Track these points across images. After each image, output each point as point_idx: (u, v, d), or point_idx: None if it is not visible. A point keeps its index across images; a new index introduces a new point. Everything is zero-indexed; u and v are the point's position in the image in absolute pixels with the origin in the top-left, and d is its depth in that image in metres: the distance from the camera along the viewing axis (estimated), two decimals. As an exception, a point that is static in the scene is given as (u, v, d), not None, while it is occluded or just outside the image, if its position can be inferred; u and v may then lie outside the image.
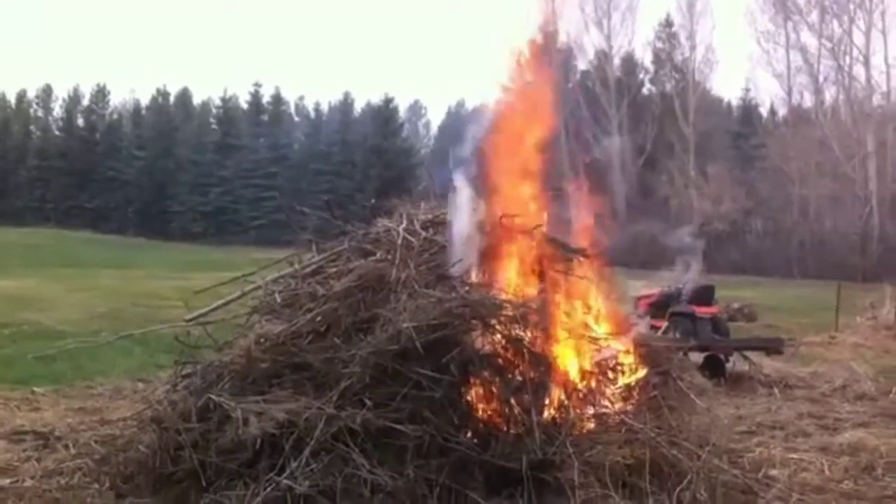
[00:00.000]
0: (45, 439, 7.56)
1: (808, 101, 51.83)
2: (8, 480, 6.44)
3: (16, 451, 7.24)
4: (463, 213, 7.40)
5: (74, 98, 75.30)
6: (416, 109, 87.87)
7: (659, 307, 13.67)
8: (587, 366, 6.73)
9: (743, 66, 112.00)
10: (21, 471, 6.70)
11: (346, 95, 71.27)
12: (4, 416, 8.55)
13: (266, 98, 69.23)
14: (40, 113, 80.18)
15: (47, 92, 79.98)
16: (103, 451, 6.92)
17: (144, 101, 75.10)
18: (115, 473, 6.37)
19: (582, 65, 57.19)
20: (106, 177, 66.85)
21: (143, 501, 5.95)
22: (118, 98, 79.20)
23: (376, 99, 69.51)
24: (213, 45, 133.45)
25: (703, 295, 13.74)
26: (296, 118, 75.33)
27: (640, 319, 11.20)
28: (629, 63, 56.63)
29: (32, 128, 76.56)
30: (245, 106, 70.46)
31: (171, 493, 5.94)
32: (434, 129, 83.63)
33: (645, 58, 57.59)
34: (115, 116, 74.33)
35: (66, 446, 7.31)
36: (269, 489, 5.52)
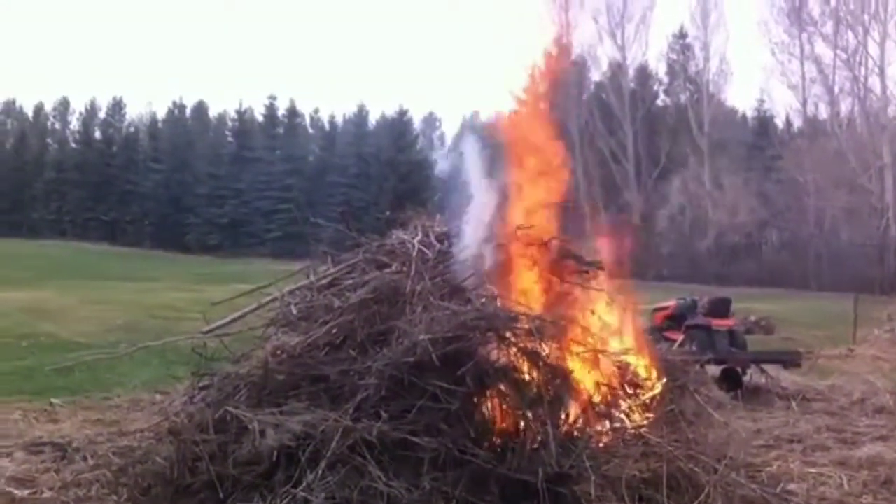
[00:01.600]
0: (63, 451, 7.58)
1: (823, 112, 51.75)
2: (27, 492, 6.47)
3: (34, 463, 7.27)
4: (475, 225, 7.42)
5: (91, 111, 75.85)
6: (430, 121, 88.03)
7: (675, 320, 13.63)
8: (604, 379, 6.71)
9: (757, 78, 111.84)
10: (39, 482, 6.73)
11: (361, 108, 71.57)
12: (23, 428, 8.60)
13: (281, 111, 69.60)
14: (57, 126, 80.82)
15: (64, 105, 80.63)
16: (121, 463, 6.93)
17: (161, 113, 75.66)
18: (133, 485, 6.38)
19: (596, 76, 57.22)
20: (123, 189, 67.20)
21: (161, 513, 5.96)
22: (135, 111, 79.89)
23: (391, 111, 69.78)
24: (228, 57, 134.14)
25: (720, 307, 13.69)
26: (310, 130, 75.58)
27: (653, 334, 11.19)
28: (643, 74, 56.59)
29: (49, 140, 77.13)
30: (260, 118, 70.76)
31: (188, 504, 5.96)
32: (448, 140, 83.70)
33: (659, 69, 57.62)
34: (132, 129, 74.79)
35: (84, 458, 7.34)
36: (285, 501, 5.52)
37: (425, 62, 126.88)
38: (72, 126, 79.47)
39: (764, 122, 57.59)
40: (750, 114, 60.30)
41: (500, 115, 8.12)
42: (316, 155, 70.01)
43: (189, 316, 13.70)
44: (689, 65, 55.67)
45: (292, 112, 70.30)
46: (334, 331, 6.72)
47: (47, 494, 6.44)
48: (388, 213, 10.26)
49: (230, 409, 6.19)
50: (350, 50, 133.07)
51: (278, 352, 6.62)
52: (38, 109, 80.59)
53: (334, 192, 61.47)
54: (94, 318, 18.56)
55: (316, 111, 76.87)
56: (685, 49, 55.80)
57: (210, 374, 7.07)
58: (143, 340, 11.15)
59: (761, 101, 58.39)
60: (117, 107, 74.18)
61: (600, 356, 6.86)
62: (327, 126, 73.57)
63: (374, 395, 6.00)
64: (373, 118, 72.41)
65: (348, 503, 5.49)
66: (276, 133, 68.89)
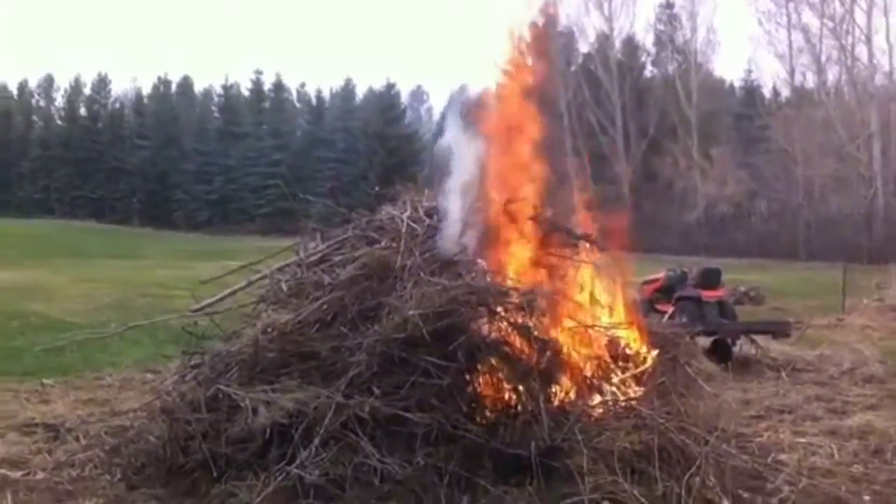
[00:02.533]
0: (56, 431, 7.57)
1: (810, 81, 51.70)
2: (19, 473, 6.46)
3: (27, 444, 7.26)
4: (463, 199, 7.40)
5: (76, 88, 75.29)
6: (418, 95, 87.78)
7: (664, 291, 13.66)
8: (594, 352, 6.73)
9: (745, 47, 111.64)
10: (32, 463, 6.72)
11: (348, 82, 71.24)
12: (14, 409, 8.58)
13: (267, 85, 69.23)
14: (42, 103, 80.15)
15: (49, 82, 79.97)
16: (114, 443, 6.94)
17: (146, 89, 75.12)
18: (126, 465, 6.40)
19: (583, 48, 57.01)
20: (109, 166, 66.87)
21: (155, 492, 5.97)
22: (120, 87, 79.17)
23: (378, 85, 69.46)
24: (213, 32, 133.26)
25: (710, 278, 13.72)
26: (297, 105, 75.20)
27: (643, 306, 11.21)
28: (630, 45, 56.40)
29: (35, 118, 76.56)
30: (247, 93, 70.38)
31: (181, 483, 5.97)
32: (436, 114, 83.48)
33: (646, 40, 57.42)
34: (118, 105, 74.27)
35: (77, 438, 7.33)
36: (279, 479, 5.54)
37: (412, 35, 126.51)
38: (57, 103, 78.86)
39: (751, 91, 57.60)
40: (737, 84, 60.35)
41: (486, 88, 8.08)
42: (303, 130, 69.72)
43: (178, 294, 13.68)
44: (677, 35, 55.55)
45: (279, 86, 69.93)
46: (325, 307, 6.71)
47: (40, 475, 6.42)
48: (376, 188, 10.22)
49: (222, 387, 6.21)
50: (336, 23, 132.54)
51: (269, 329, 6.62)
52: (23, 87, 79.90)
53: (322, 167, 61.33)
54: (83, 296, 18.51)
55: (302, 85, 76.54)
56: (672, 19, 55.64)
57: (201, 353, 7.07)
58: (133, 319, 11.16)
59: (749, 71, 58.50)
60: (102, 83, 73.62)
61: (591, 330, 6.88)
62: (314, 100, 73.19)
63: (365, 372, 6.01)
64: (360, 92, 72.19)
65: (342, 480, 5.51)
66: (263, 108, 68.56)
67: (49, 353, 10.94)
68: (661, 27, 56.24)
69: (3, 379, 10.01)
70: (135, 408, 7.88)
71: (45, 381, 9.88)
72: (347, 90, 71.12)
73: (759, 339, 12.31)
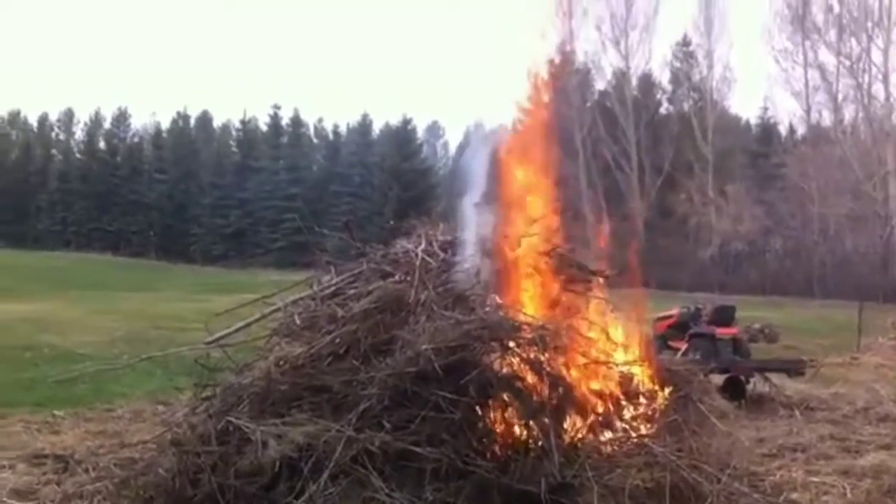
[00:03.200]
0: (65, 462, 7.58)
1: (826, 119, 51.64)
2: (28, 504, 6.46)
3: (36, 475, 7.27)
4: (478, 234, 7.43)
5: (96, 121, 76.06)
6: (434, 130, 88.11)
7: (678, 328, 13.61)
8: (607, 389, 6.70)
9: (761, 85, 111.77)
10: (41, 494, 6.73)
11: (365, 117, 71.59)
12: (25, 440, 8.59)
13: (285, 120, 69.63)
14: (62, 136, 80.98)
15: (69, 115, 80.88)
16: (123, 475, 6.90)
17: (165, 124, 75.76)
18: (135, 497, 6.37)
19: (600, 84, 57.21)
20: (127, 200, 67.28)
21: (162, 525, 5.95)
22: (139, 121, 79.86)
23: (394, 120, 69.81)
24: (232, 67, 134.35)
25: (724, 315, 13.67)
26: (314, 140, 75.64)
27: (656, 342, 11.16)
28: (647, 82, 56.55)
29: (54, 151, 77.27)
30: (264, 128, 70.83)
31: (190, 516, 5.94)
32: (452, 149, 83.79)
33: (663, 77, 57.56)
34: (136, 140, 74.90)
35: (86, 470, 7.32)
36: (288, 512, 5.52)
37: (429, 71, 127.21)
38: (76, 137, 79.70)
39: (767, 129, 57.56)
40: (753, 121, 60.34)
41: (502, 124, 8.12)
42: (320, 164, 70.02)
43: (193, 326, 13.70)
44: (693, 72, 55.69)
45: (296, 122, 70.36)
46: (337, 341, 6.70)
47: (49, 506, 6.43)
48: (391, 222, 10.24)
49: (232, 419, 6.19)
50: (354, 59, 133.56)
51: (281, 362, 6.62)
52: (43, 120, 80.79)
53: (338, 201, 61.51)
54: (97, 328, 18.55)
55: (320, 121, 77.01)
56: (688, 57, 55.83)
57: (213, 385, 7.06)
58: (146, 351, 11.18)
59: (765, 109, 58.42)
60: (122, 117, 74.36)
61: (603, 366, 6.85)
62: (331, 135, 73.58)
63: (376, 406, 5.99)
64: (377, 127, 72.51)
65: (351, 514, 5.48)
66: (280, 143, 68.95)
67: (61, 384, 10.97)
68: (678, 64, 56.45)
69: (14, 410, 10.03)
70: (145, 440, 7.86)
71: (55, 412, 9.89)
72: (364, 125, 71.51)
73: (773, 376, 12.23)
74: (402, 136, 67.16)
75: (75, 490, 6.78)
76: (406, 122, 67.85)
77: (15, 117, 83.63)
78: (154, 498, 6.24)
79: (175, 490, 6.08)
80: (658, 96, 57.59)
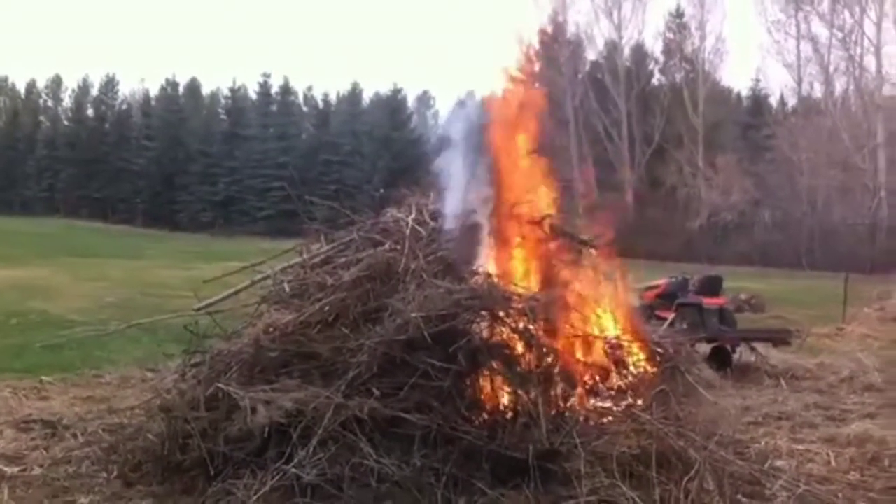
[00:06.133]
0: (53, 428, 7.57)
1: (818, 91, 51.58)
2: (16, 468, 6.48)
3: (24, 440, 7.25)
4: (468, 203, 7.43)
5: (84, 88, 75.47)
6: (424, 100, 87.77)
7: (665, 298, 13.67)
8: (595, 358, 6.74)
9: (753, 57, 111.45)
10: (29, 459, 6.73)
11: (355, 86, 71.22)
12: (12, 405, 8.57)
13: (275, 88, 69.19)
14: (50, 103, 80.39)
15: (57, 82, 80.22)
16: (111, 440, 6.95)
17: (154, 91, 75.21)
18: (123, 462, 6.41)
19: (591, 55, 57.00)
20: (115, 167, 66.94)
21: (152, 489, 5.99)
22: (127, 88, 79.33)
23: (385, 89, 69.47)
24: (221, 35, 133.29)
25: (711, 286, 13.74)
26: (304, 108, 75.26)
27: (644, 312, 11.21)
28: (639, 54, 56.34)
29: (42, 118, 76.74)
30: (254, 96, 70.41)
31: (179, 481, 5.98)
32: (442, 119, 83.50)
33: (655, 48, 57.36)
34: (125, 107, 74.40)
35: (74, 435, 7.34)
36: (276, 478, 5.56)
37: (420, 40, 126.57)
38: (64, 103, 79.10)
39: (758, 101, 57.45)
40: (745, 93, 60.23)
41: (493, 94, 8.10)
42: (309, 133, 69.67)
43: (181, 294, 13.67)
44: (685, 44, 55.46)
45: (286, 90, 69.93)
46: (327, 308, 6.73)
47: (37, 471, 6.45)
48: (381, 190, 10.23)
49: (221, 386, 6.22)
50: (344, 28, 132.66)
51: (270, 329, 6.64)
52: (31, 87, 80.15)
53: (328, 170, 61.31)
54: (85, 295, 18.52)
55: (309, 89, 76.49)
56: (681, 28, 55.57)
57: (202, 352, 7.08)
58: (134, 318, 11.16)
59: (756, 81, 58.29)
60: (110, 84, 73.76)
61: (591, 335, 6.89)
62: (321, 104, 73.21)
63: (365, 373, 6.03)
64: (366, 96, 72.17)
65: (339, 480, 5.52)
66: (270, 111, 68.55)
67: (49, 350, 10.96)
68: (671, 35, 56.23)
69: (2, 375, 9.99)
70: (133, 405, 7.88)
71: (43, 378, 9.86)
72: (354, 94, 71.16)
73: (759, 346, 12.30)
74: (392, 105, 66.86)
75: (64, 455, 6.81)
76: (396, 91, 67.58)
77: (2, 83, 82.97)
78: (143, 463, 6.28)
79: (164, 455, 6.12)
80: (650, 67, 57.44)
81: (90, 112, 73.06)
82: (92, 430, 7.42)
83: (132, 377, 10.23)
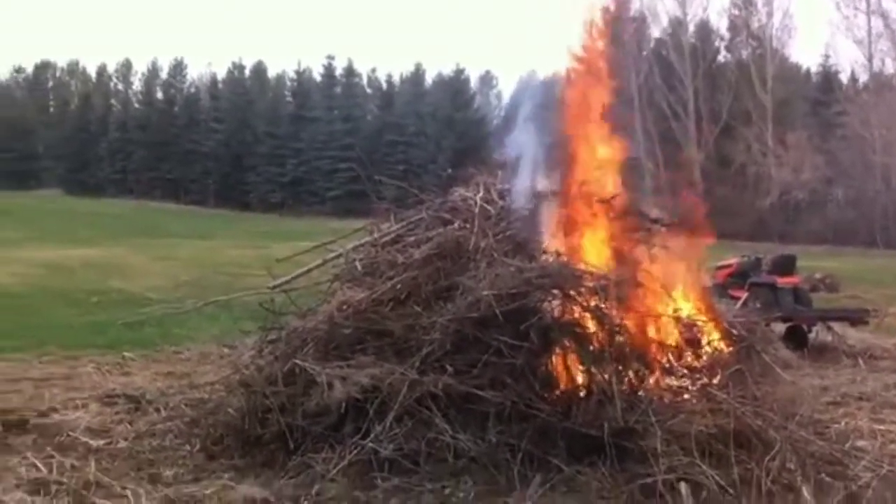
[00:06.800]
0: (137, 402, 7.77)
1: (889, 67, 50.24)
2: (102, 441, 6.64)
3: (108, 414, 7.47)
4: (536, 182, 7.42)
5: (153, 72, 76.67)
6: (487, 80, 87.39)
7: (738, 277, 13.49)
8: (668, 337, 6.70)
9: (822, 32, 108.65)
10: (114, 432, 6.91)
11: (418, 67, 71.19)
12: (96, 380, 8.82)
13: (339, 70, 69.54)
14: (120, 86, 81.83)
15: (127, 66, 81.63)
16: (193, 414, 7.09)
17: (221, 74, 76.08)
18: (206, 435, 6.54)
19: (656, 32, 56.17)
20: (185, 149, 67.93)
21: (233, 462, 6.10)
22: (195, 72, 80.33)
23: (447, 70, 69.38)
24: (286, 18, 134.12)
25: (784, 265, 13.53)
26: (368, 90, 75.53)
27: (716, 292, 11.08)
28: (704, 30, 55.36)
29: (113, 101, 78.13)
30: (319, 78, 70.84)
31: (259, 454, 6.09)
32: (505, 98, 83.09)
33: (721, 25, 56.29)
34: (193, 90, 75.40)
35: (157, 409, 7.52)
36: (354, 452, 5.64)
37: (482, 20, 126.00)
38: (134, 87, 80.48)
39: (828, 77, 56.13)
40: (814, 69, 58.88)
41: (557, 73, 8.06)
42: (374, 114, 69.98)
43: (253, 272, 13.91)
44: (752, 20, 54.31)
45: (350, 72, 70.22)
46: (399, 286, 6.78)
47: (122, 444, 6.61)
48: (449, 170, 10.24)
49: (298, 362, 6.31)
50: (407, 8, 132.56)
51: (344, 307, 6.71)
52: (101, 70, 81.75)
53: (393, 150, 61.54)
54: (161, 274, 18.93)
55: (373, 70, 76.67)
56: (747, 4, 54.42)
57: (278, 329, 7.19)
58: (209, 296, 11.38)
59: (826, 57, 56.93)
60: (178, 67, 74.82)
61: (664, 314, 6.85)
62: (385, 85, 73.41)
63: (438, 350, 6.07)
64: (429, 77, 72.12)
65: (416, 455, 5.60)
66: (335, 93, 68.94)
67: (129, 327, 11.24)
68: (736, 12, 55.13)
69: (85, 352, 10.30)
70: (213, 381, 8.02)
71: (126, 353, 10.13)
72: (417, 75, 71.15)
73: (836, 326, 12.08)
74: (455, 85, 66.79)
75: (147, 428, 6.98)
76: (459, 71, 67.47)
77: (74, 68, 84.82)
78: (224, 437, 6.40)
79: (244, 429, 6.24)
80: (716, 44, 56.40)
81: (159, 95, 74.20)
82: (174, 404, 7.60)
83: (211, 353, 10.43)
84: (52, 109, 79.29)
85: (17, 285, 16.49)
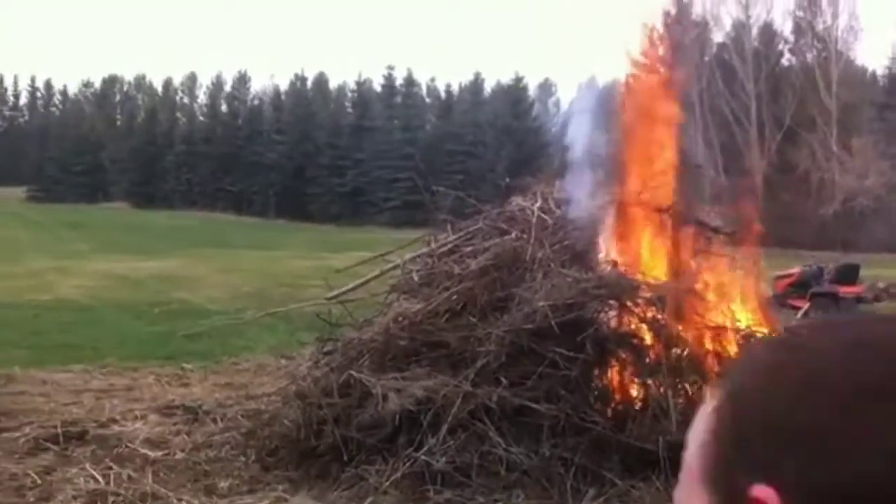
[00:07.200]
0: (195, 413, 7.84)
1: (958, 69, 48.99)
2: (160, 452, 6.73)
3: (167, 425, 7.55)
4: (594, 191, 7.37)
5: (217, 85, 78.02)
6: (546, 88, 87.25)
7: (799, 287, 13.28)
8: (726, 350, 6.61)
9: (889, 35, 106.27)
10: (172, 444, 6.99)
11: (477, 76, 71.28)
12: (156, 391, 8.94)
13: (399, 80, 69.93)
14: (186, 100, 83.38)
15: (192, 79, 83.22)
16: (249, 425, 7.16)
17: (283, 86, 77.04)
18: (261, 447, 6.60)
19: (718, 37, 55.50)
20: (248, 161, 68.73)
21: (288, 474, 6.15)
22: (258, 84, 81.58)
23: (506, 79, 69.39)
24: (347, 29, 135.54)
25: (847, 274, 13.29)
26: (427, 100, 75.85)
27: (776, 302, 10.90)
28: (768, 33, 54.55)
29: (179, 114, 79.57)
30: (379, 89, 71.31)
31: (314, 466, 6.14)
32: (564, 106, 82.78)
33: (784, 27, 55.42)
34: (256, 102, 76.45)
35: (214, 420, 7.60)
36: (407, 464, 5.66)
37: (541, 27, 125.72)
38: (199, 100, 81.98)
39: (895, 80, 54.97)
40: (881, 72, 57.66)
41: (617, 80, 8.01)
42: (433, 124, 70.20)
43: (313, 283, 14.01)
44: (817, 22, 53.42)
45: (409, 82, 70.54)
46: (454, 297, 6.78)
47: (179, 455, 6.69)
48: (507, 180, 10.23)
49: (354, 373, 6.35)
50: (466, 18, 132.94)
51: (400, 318, 6.73)
52: (167, 84, 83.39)
53: (452, 160, 61.61)
54: (222, 285, 19.16)
55: (432, 80, 77.10)
56: (812, 6, 53.53)
57: (334, 340, 7.24)
58: (269, 307, 11.48)
59: (893, 59, 55.72)
60: (242, 80, 76.06)
61: (722, 325, 6.75)
62: (443, 95, 73.65)
63: (493, 362, 6.06)
64: (488, 86, 72.17)
65: (468, 467, 5.59)
66: (394, 103, 69.31)
67: (189, 338, 11.38)
68: (801, 14, 54.26)
69: (146, 363, 10.44)
70: (270, 392, 8.11)
71: (185, 365, 10.26)
72: (476, 84, 71.26)
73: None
74: (513, 94, 66.72)
75: (204, 440, 7.06)
76: (518, 80, 67.38)
77: (141, 81, 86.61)
78: (279, 448, 6.46)
79: (299, 440, 6.28)
80: (779, 47, 55.57)
81: (224, 108, 75.38)
82: (231, 415, 7.67)
83: (268, 364, 10.50)
84: (119, 123, 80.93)
85: (84, 297, 16.84)
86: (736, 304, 7.25)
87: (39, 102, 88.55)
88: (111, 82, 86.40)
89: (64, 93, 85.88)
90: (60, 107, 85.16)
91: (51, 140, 75.87)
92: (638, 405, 5.98)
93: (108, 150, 75.60)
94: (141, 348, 11.49)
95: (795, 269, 13.83)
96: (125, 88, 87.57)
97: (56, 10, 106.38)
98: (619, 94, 7.79)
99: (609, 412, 5.93)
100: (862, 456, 0.58)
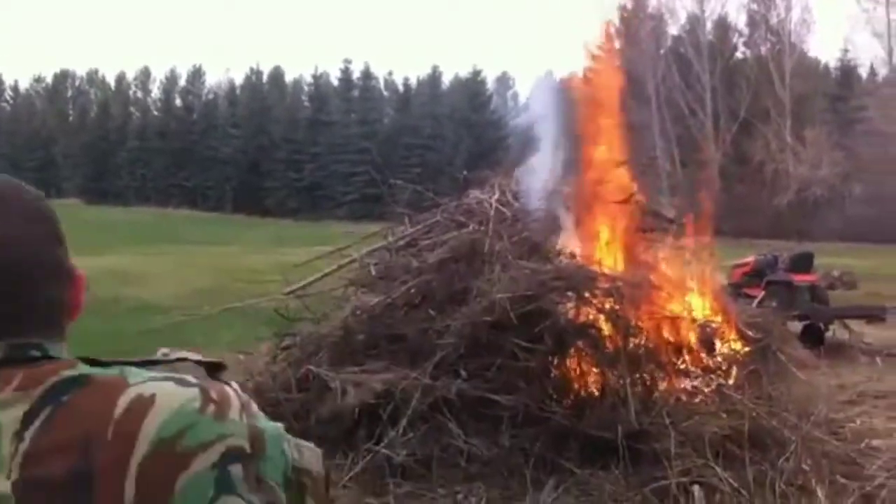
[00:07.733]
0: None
1: (909, 61, 49.87)
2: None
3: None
4: (550, 183, 7.41)
5: (172, 79, 77.02)
6: (503, 81, 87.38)
7: (754, 275, 13.43)
8: (683, 339, 6.68)
9: (841, 27, 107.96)
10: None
11: (434, 69, 71.32)
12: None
13: (356, 74, 69.70)
14: (139, 94, 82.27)
15: (146, 74, 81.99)
16: (207, 421, 7.09)
17: (239, 80, 76.41)
18: (219, 443, 6.54)
19: (674, 30, 55.98)
20: (203, 156, 68.20)
21: (247, 469, 6.09)
22: (213, 78, 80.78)
23: (464, 72, 69.49)
24: (303, 23, 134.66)
25: (801, 262, 13.45)
26: (385, 93, 75.68)
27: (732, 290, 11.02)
28: (722, 27, 55.12)
29: (132, 109, 78.56)
30: (336, 83, 71.02)
31: (273, 461, 6.09)
32: (522, 100, 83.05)
33: (739, 21, 56.04)
34: (211, 96, 75.74)
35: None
36: (367, 458, 5.65)
37: (498, 21, 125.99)
38: (153, 94, 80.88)
39: (847, 72, 55.77)
40: (833, 64, 58.50)
41: (573, 73, 8.05)
42: (390, 117, 70.10)
43: (270, 278, 13.88)
44: (770, 15, 54.06)
45: (367, 75, 70.35)
46: (413, 290, 6.79)
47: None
48: (465, 172, 10.24)
49: (312, 368, 6.33)
50: (423, 11, 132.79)
51: (358, 312, 6.73)
52: (121, 78, 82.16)
53: (410, 153, 61.60)
54: (178, 281, 18.99)
55: (390, 74, 76.78)
56: (766, -1, 54.20)
57: (292, 335, 7.21)
58: (225, 302, 11.38)
59: (845, 51, 56.56)
60: (196, 74, 75.19)
61: (679, 315, 6.82)
62: (401, 88, 73.54)
63: (452, 354, 6.07)
64: (446, 79, 72.22)
65: (429, 460, 5.59)
66: (352, 96, 69.09)
67: (145, 335, 11.25)
68: (755, 7, 54.86)
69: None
70: (228, 388, 8.01)
71: (142, 362, 10.13)
72: (434, 77, 71.26)
73: (853, 323, 11.98)
74: (471, 87, 66.86)
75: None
76: (476, 73, 67.56)
77: (93, 76, 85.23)
78: (238, 444, 6.40)
79: (258, 436, 6.23)
80: (734, 40, 56.14)
81: (178, 102, 74.57)
82: (188, 411, 7.58)
83: (225, 360, 10.41)
84: (71, 118, 79.70)
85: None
86: (692, 294, 7.33)
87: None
88: (63, 77, 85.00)
89: (15, 88, 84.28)
90: (11, 102, 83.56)
91: (2, 135, 74.49)
92: (596, 395, 6.01)
93: (60, 146, 74.48)
94: (95, 345, 11.07)
95: (750, 258, 13.98)
96: (77, 83, 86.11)
97: (5, 4, 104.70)
98: (576, 87, 7.83)
99: (568, 402, 5.96)
100: None
